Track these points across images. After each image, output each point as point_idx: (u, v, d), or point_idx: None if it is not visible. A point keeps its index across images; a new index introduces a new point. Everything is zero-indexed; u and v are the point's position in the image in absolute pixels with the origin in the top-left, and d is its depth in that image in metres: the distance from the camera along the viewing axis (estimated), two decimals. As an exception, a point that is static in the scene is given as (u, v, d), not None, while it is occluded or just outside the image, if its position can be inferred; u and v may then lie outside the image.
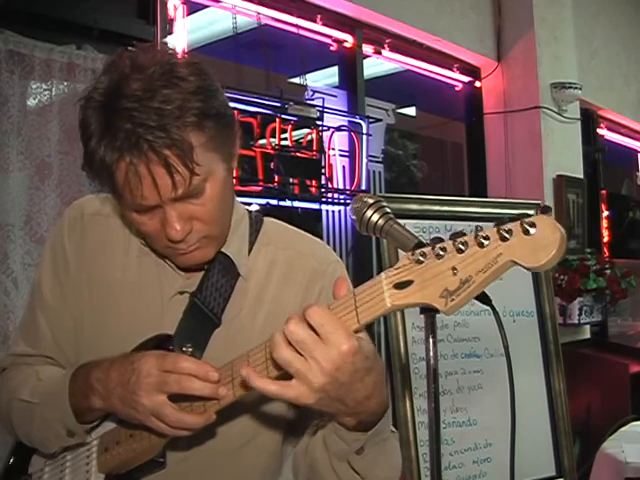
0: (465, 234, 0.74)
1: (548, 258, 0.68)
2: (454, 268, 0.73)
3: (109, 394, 0.99)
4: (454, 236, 0.74)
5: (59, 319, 1.14)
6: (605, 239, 5.27)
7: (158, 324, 1.06)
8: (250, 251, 1.12)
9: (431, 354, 0.90)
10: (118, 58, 0.95)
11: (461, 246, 0.73)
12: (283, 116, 2.99)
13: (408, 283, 0.77)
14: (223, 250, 1.08)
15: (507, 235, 0.70)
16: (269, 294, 1.10)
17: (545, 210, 0.71)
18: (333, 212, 3.39)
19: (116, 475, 1.05)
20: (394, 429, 1.05)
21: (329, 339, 0.79)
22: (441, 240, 0.76)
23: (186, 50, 2.72)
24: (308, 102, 3.23)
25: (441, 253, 0.74)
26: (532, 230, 0.69)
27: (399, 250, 0.97)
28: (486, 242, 0.72)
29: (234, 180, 1.10)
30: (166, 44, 2.64)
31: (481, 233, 0.72)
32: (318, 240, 1.23)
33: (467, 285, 0.72)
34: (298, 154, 3.05)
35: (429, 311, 0.89)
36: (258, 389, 0.83)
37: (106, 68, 0.95)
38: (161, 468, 1.03)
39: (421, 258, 0.76)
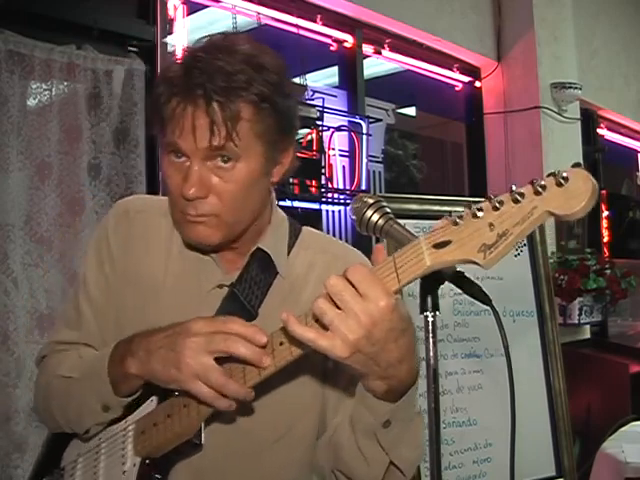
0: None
1: (581, 205, 0.71)
2: (491, 224, 0.75)
3: (149, 356, 0.98)
4: (489, 197, 0.77)
5: (103, 311, 1.16)
6: (605, 239, 5.27)
7: (196, 316, 1.06)
8: (289, 253, 1.15)
9: (431, 354, 0.90)
10: (214, 35, 1.04)
11: (497, 204, 0.75)
12: (283, 116, 2.98)
13: (446, 243, 0.78)
14: (260, 246, 1.11)
15: (541, 190, 0.73)
16: (306, 295, 1.11)
17: (576, 165, 0.74)
18: (333, 212, 3.39)
19: (152, 459, 1.04)
20: (420, 412, 1.04)
21: (368, 295, 0.80)
22: (477, 202, 0.78)
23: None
24: (308, 102, 3.23)
25: (477, 213, 0.76)
26: (565, 182, 0.72)
27: (399, 250, 0.97)
28: (521, 198, 0.74)
29: (270, 189, 1.13)
30: (166, 44, 2.64)
31: (516, 190, 0.74)
32: (348, 245, 1.28)
33: (504, 238, 0.75)
34: (298, 154, 3.04)
35: (431, 308, 0.89)
36: (295, 334, 0.83)
37: (200, 39, 1.03)
38: (197, 451, 1.02)
39: (458, 220, 0.78)
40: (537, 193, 0.73)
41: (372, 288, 0.80)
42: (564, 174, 0.72)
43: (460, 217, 0.77)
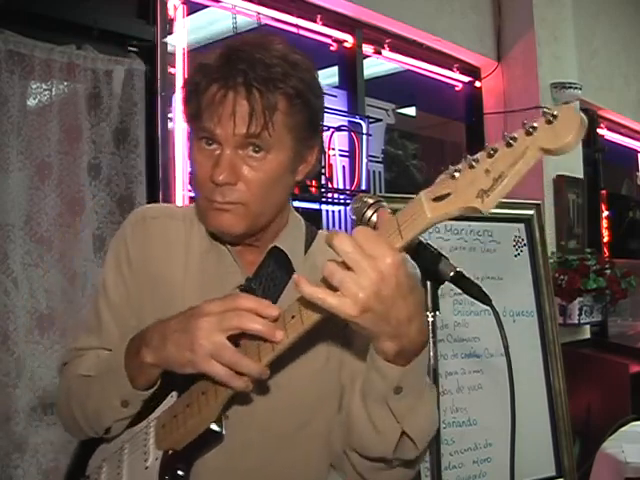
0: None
1: (570, 136, 0.72)
2: (487, 170, 0.77)
3: (164, 343, 0.98)
4: (485, 147, 0.78)
5: (123, 316, 1.17)
6: (605, 239, 5.27)
7: None
8: (305, 254, 1.16)
9: (431, 354, 0.90)
10: (253, 32, 1.09)
11: (491, 151, 0.77)
12: (283, 116, 2.98)
13: (446, 195, 0.79)
14: (277, 244, 1.12)
15: (532, 130, 0.74)
16: None
17: (566, 103, 0.75)
18: (333, 212, 3.39)
19: (173, 451, 1.03)
20: (433, 385, 1.04)
21: (374, 252, 0.81)
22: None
23: (186, 50, 2.72)
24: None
25: (473, 164, 0.78)
26: (554, 119, 0.73)
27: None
28: (513, 141, 0.76)
29: (294, 185, 1.14)
30: (166, 44, 2.64)
31: (509, 135, 0.76)
32: None
33: (500, 180, 0.76)
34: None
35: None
36: (304, 293, 0.83)
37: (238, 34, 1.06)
38: (219, 441, 1.02)
39: (455, 173, 0.79)
40: (528, 134, 0.75)
41: (378, 246, 0.81)
42: (554, 112, 0.73)
43: (457, 170, 0.79)
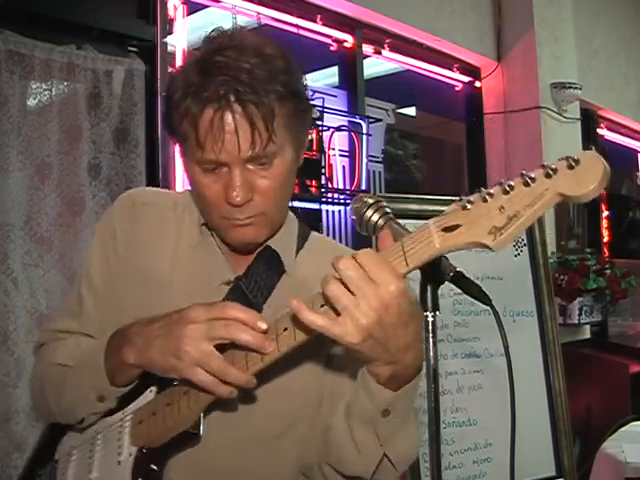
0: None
1: (593, 186, 0.71)
2: (501, 207, 0.75)
3: (147, 345, 0.96)
4: (500, 182, 0.76)
5: (104, 301, 1.15)
6: (605, 239, 5.27)
7: None
8: (297, 254, 1.15)
9: (431, 354, 0.90)
10: (216, 34, 1.02)
11: (507, 188, 0.75)
12: (283, 116, 2.98)
13: (456, 227, 0.78)
14: (270, 244, 1.11)
15: (552, 173, 0.73)
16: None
17: (588, 149, 0.74)
18: (333, 212, 3.39)
19: (149, 448, 1.02)
20: (416, 410, 1.04)
21: (378, 279, 0.79)
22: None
23: (186, 50, 2.72)
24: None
25: (487, 197, 0.76)
26: (576, 165, 0.72)
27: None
28: (532, 182, 0.74)
29: (295, 178, 1.13)
30: (166, 44, 2.64)
31: (527, 174, 0.74)
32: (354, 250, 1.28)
33: (515, 219, 0.74)
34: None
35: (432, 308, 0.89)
36: (306, 321, 0.82)
37: (203, 41, 1.02)
38: (195, 442, 1.01)
39: (468, 205, 0.77)
40: (548, 176, 0.73)
41: (382, 272, 0.80)
42: (575, 157, 0.72)
43: (470, 201, 0.77)
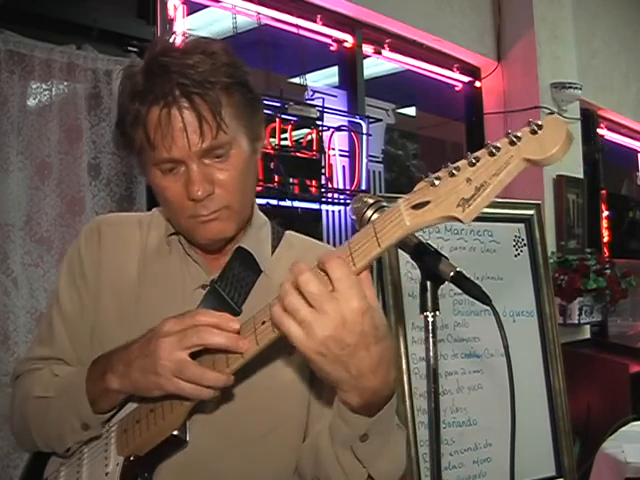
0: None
1: (556, 148, 0.71)
2: (468, 179, 0.75)
3: (129, 369, 0.97)
4: (466, 155, 0.76)
5: (76, 326, 1.16)
6: (605, 239, 5.27)
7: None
8: (273, 254, 1.16)
9: (431, 354, 0.90)
10: (158, 40, 1.06)
11: (473, 160, 0.75)
12: (283, 116, 2.98)
13: (425, 203, 0.78)
14: (242, 245, 1.11)
15: (516, 140, 0.73)
16: None
17: (550, 114, 0.74)
18: (333, 212, 3.39)
19: (135, 457, 1.02)
20: (401, 425, 1.04)
21: (341, 293, 0.79)
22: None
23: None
24: (308, 102, 3.23)
25: (454, 172, 0.76)
26: (539, 130, 0.72)
27: (399, 250, 0.97)
28: (496, 151, 0.74)
29: (258, 170, 1.14)
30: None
31: (492, 144, 0.74)
32: (332, 247, 1.28)
33: (482, 189, 0.74)
34: (298, 154, 3.05)
35: (431, 307, 0.88)
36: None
37: (149, 47, 1.04)
38: (182, 447, 1.01)
39: (435, 181, 0.77)
40: (512, 143, 0.73)
41: (348, 288, 0.79)
42: (538, 122, 0.72)
43: (438, 177, 0.77)
